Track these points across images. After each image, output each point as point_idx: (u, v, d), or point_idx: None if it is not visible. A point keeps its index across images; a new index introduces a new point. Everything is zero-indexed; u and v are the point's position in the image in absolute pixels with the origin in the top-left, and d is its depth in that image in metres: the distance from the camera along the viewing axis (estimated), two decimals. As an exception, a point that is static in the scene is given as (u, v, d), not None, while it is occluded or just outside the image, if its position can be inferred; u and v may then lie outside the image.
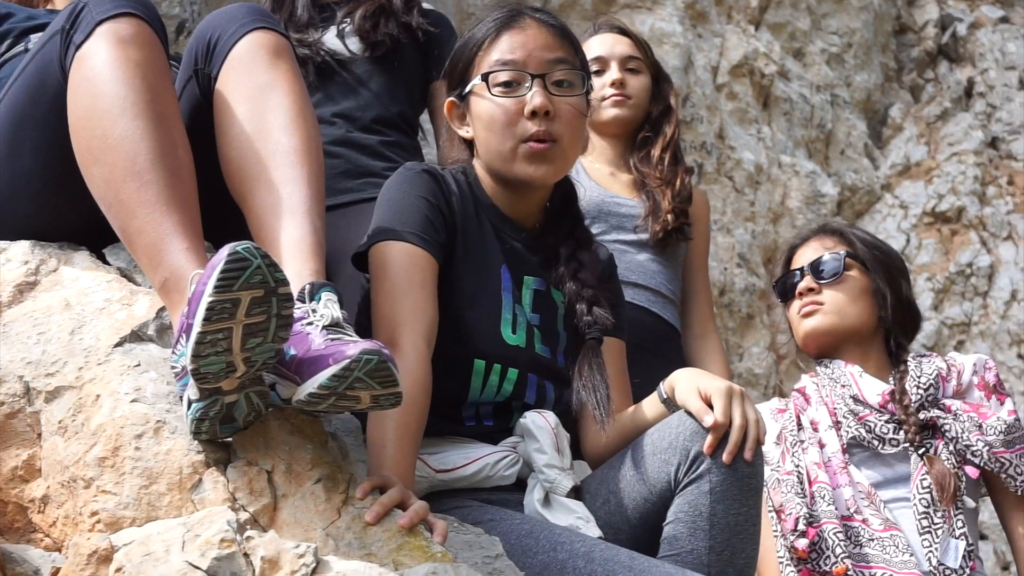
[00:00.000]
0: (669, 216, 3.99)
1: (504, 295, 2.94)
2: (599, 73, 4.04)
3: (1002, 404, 3.48)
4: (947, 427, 3.41)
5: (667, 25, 6.80)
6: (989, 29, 8.61)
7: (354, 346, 2.22)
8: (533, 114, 2.88)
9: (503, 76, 2.94)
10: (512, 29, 3.00)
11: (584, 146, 3.18)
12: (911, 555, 3.24)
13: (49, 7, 3.46)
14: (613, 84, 4.11)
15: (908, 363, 3.54)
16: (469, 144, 3.12)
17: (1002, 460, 3.38)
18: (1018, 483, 3.40)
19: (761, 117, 7.24)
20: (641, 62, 4.28)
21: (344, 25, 4.00)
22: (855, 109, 7.84)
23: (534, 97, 2.90)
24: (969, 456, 3.37)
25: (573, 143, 3.02)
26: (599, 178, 4.11)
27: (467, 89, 3.03)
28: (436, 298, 2.81)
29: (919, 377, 3.48)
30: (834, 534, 3.27)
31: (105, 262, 2.80)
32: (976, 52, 8.46)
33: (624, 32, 4.31)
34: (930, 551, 3.27)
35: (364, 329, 2.71)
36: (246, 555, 2.17)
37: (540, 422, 2.79)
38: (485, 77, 2.95)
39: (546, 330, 2.99)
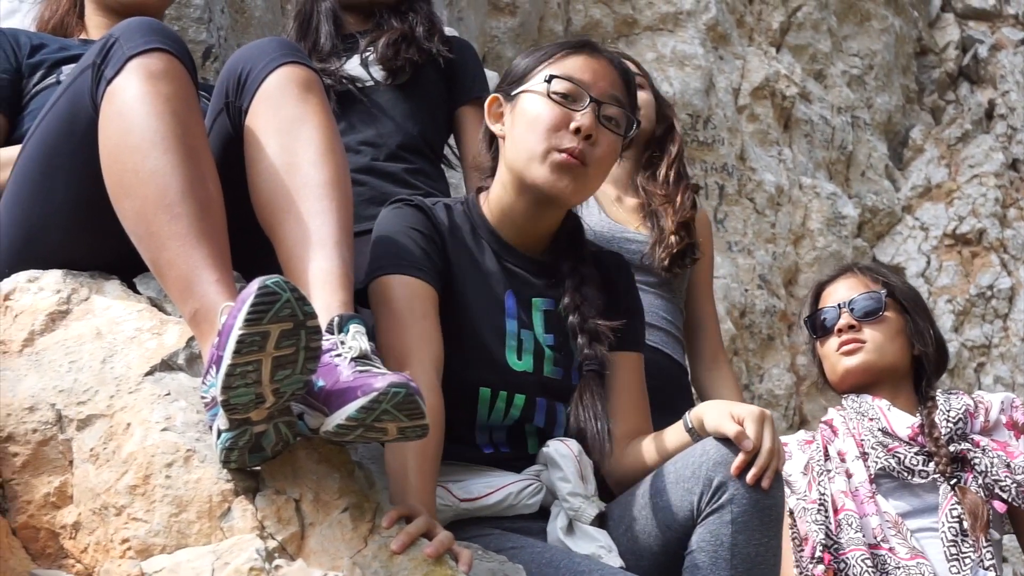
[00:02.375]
0: (673, 238, 3.97)
1: (508, 322, 2.96)
2: None
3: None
4: (977, 461, 3.42)
5: (688, 47, 6.81)
6: (1010, 51, 8.60)
7: (382, 379, 2.24)
8: (577, 131, 2.90)
9: (567, 86, 2.96)
10: (586, 54, 3.04)
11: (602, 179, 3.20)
12: None
13: (83, 37, 3.47)
14: None
15: (937, 398, 3.55)
16: (493, 151, 3.17)
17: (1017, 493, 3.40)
18: None
19: (782, 139, 7.25)
20: (644, 79, 4.29)
21: (368, 54, 4.00)
22: (876, 131, 7.84)
23: (585, 116, 2.92)
24: (997, 491, 3.38)
25: (599, 173, 3.06)
26: (606, 204, 4.09)
27: (524, 87, 3.05)
28: (439, 326, 2.83)
29: (948, 411, 3.50)
30: (861, 561, 3.29)
31: (136, 291, 2.81)
32: (997, 74, 8.44)
33: (626, 58, 4.30)
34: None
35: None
36: (278, 582, 2.21)
37: (563, 450, 2.81)
38: (550, 79, 2.96)
39: (560, 349, 3.01)
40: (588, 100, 2.94)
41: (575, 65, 3.00)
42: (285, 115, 2.67)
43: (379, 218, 3.02)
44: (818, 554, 3.30)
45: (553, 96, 2.95)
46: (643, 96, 4.13)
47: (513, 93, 3.06)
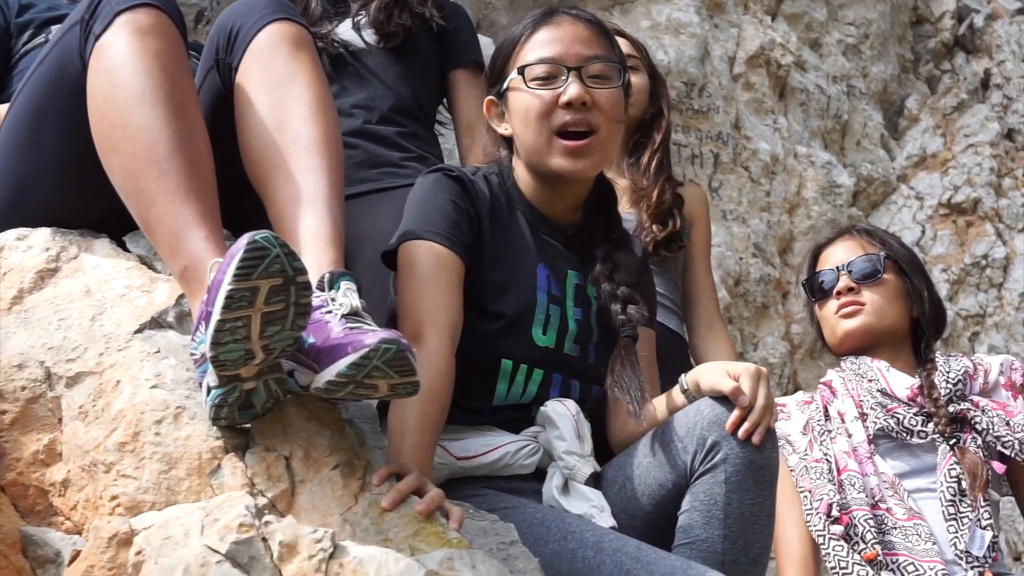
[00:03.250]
0: (655, 227, 4.02)
1: (539, 295, 2.96)
2: None
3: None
4: (977, 420, 3.44)
5: (684, 15, 6.79)
6: (1006, 20, 8.60)
7: (373, 335, 2.24)
8: (568, 105, 2.90)
9: (539, 69, 2.95)
10: (548, 25, 3.02)
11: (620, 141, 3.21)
12: (933, 544, 3.27)
13: None
14: None
15: (936, 360, 3.56)
16: (509, 142, 3.14)
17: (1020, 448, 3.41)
18: None
19: (777, 108, 7.24)
20: (639, 60, 4.28)
21: (359, 17, 3.99)
22: (871, 100, 7.84)
23: (569, 87, 2.91)
24: (1000, 448, 3.40)
25: (611, 134, 3.04)
26: None
27: (504, 85, 3.05)
28: (461, 297, 2.83)
29: (948, 372, 3.51)
30: (864, 521, 3.30)
31: (125, 249, 2.82)
32: (993, 44, 8.44)
33: (621, 33, 4.28)
34: (955, 538, 3.29)
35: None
36: (264, 539, 2.19)
37: (561, 409, 2.81)
38: (521, 71, 2.97)
39: (583, 325, 3.02)
40: (567, 72, 2.94)
41: (542, 41, 3.00)
42: (276, 72, 2.67)
43: (417, 184, 3.01)
44: (835, 513, 3.31)
45: (531, 85, 2.95)
46: (637, 80, 4.15)
47: (501, 91, 3.07)
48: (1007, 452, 3.40)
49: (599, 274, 3.02)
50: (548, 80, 2.95)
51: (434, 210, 2.88)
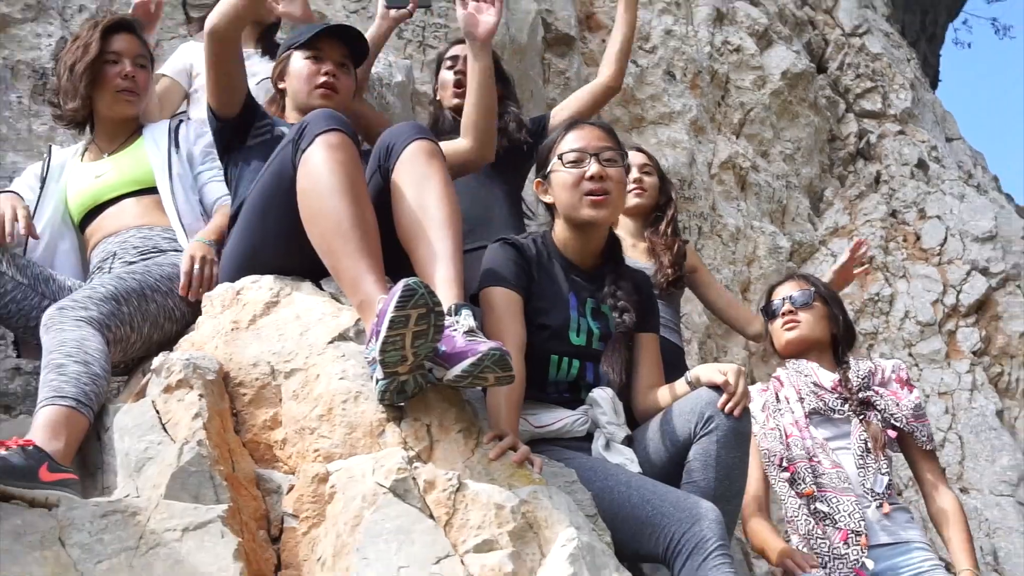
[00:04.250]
0: (669, 271, 4.00)
1: (572, 312, 2.95)
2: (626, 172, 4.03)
3: (911, 393, 3.50)
4: (877, 403, 3.43)
5: (678, 135, 6.78)
6: (891, 138, 8.55)
7: (484, 345, 2.28)
8: (591, 178, 2.92)
9: (571, 156, 2.97)
10: (575, 129, 3.05)
11: (625, 200, 3.26)
12: (849, 484, 3.24)
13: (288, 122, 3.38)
14: (635, 182, 4.12)
15: (849, 362, 3.55)
16: (550, 208, 3.14)
17: (913, 426, 3.38)
18: (923, 441, 3.41)
19: (740, 196, 7.19)
20: (652, 167, 4.29)
21: None
22: (802, 191, 7.79)
23: (591, 166, 2.94)
24: (892, 421, 3.38)
25: (620, 195, 3.05)
26: (625, 247, 4.10)
27: (548, 169, 3.05)
28: (523, 322, 2.84)
29: (858, 371, 3.50)
30: (804, 469, 3.29)
31: (321, 289, 2.83)
32: (882, 153, 8.40)
33: (639, 148, 4.29)
34: (863, 480, 3.27)
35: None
36: (414, 479, 2.21)
37: (603, 394, 2.80)
38: (560, 157, 2.99)
39: (603, 332, 2.99)
40: (589, 156, 2.96)
41: (572, 139, 3.01)
42: (417, 173, 2.68)
43: (488, 251, 3.01)
44: (784, 464, 3.32)
45: (568, 166, 2.97)
46: (649, 180, 4.22)
47: (546, 174, 3.07)
48: (897, 424, 3.38)
49: (606, 295, 3.02)
50: (577, 163, 2.96)
51: (501, 266, 2.90)
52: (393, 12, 3.78)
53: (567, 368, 2.90)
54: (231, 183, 3.21)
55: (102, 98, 3.34)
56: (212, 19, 3.04)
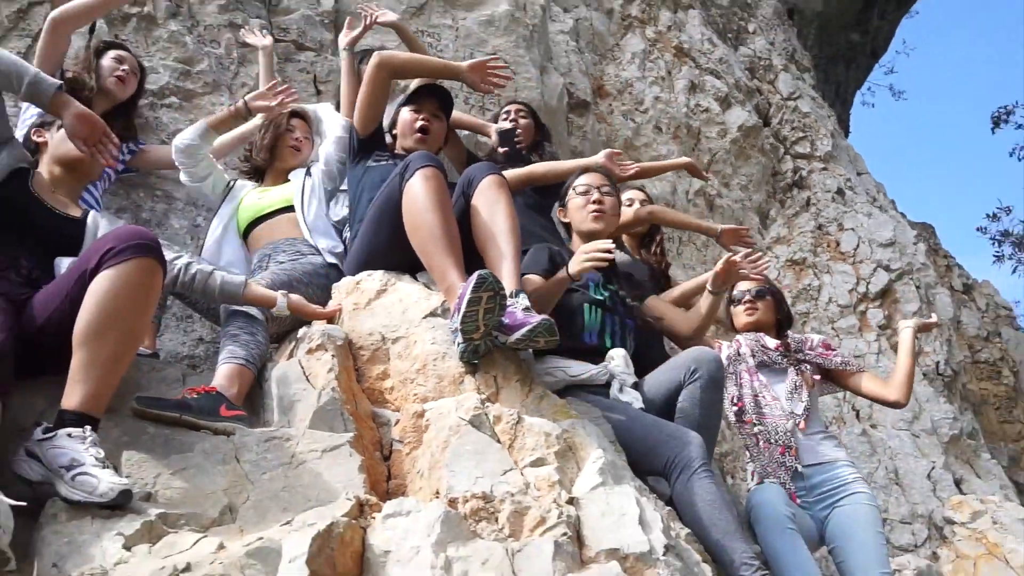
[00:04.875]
0: (662, 279, 3.94)
1: (591, 284, 2.93)
2: (630, 203, 3.95)
3: (835, 352, 3.47)
4: (809, 356, 3.40)
5: (669, 178, 6.67)
6: (817, 172, 8.44)
7: (537, 318, 2.27)
8: (594, 202, 3.00)
9: (582, 188, 3.06)
10: (584, 174, 3.12)
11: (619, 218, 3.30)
12: (782, 412, 3.19)
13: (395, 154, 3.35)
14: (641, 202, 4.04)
15: (789, 335, 3.50)
16: (567, 226, 3.18)
17: (843, 363, 3.44)
18: (852, 368, 3.48)
19: (709, 215, 7.09)
20: (648, 200, 4.14)
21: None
22: (753, 211, 7.69)
23: (594, 194, 3.03)
24: (824, 366, 3.42)
25: (614, 212, 3.11)
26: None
27: (567, 198, 3.12)
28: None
29: (795, 340, 3.45)
30: (750, 404, 3.26)
31: (416, 279, 2.82)
32: (811, 183, 8.29)
33: (641, 189, 4.15)
34: (792, 408, 3.22)
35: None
36: (485, 414, 2.20)
37: (619, 352, 2.76)
38: (574, 188, 3.09)
39: (612, 297, 2.96)
40: (593, 188, 3.04)
41: (583, 180, 3.10)
42: (490, 198, 2.66)
43: (530, 251, 3.01)
44: (735, 401, 3.28)
45: (579, 196, 3.07)
46: (643, 211, 4.01)
47: (564, 202, 3.14)
48: (829, 366, 3.41)
49: (613, 276, 3.06)
50: (585, 193, 3.04)
51: (538, 259, 2.92)
52: (501, 148, 3.71)
53: (595, 316, 2.87)
54: (354, 186, 3.16)
55: (280, 154, 3.44)
56: (388, 57, 3.13)
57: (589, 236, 3.01)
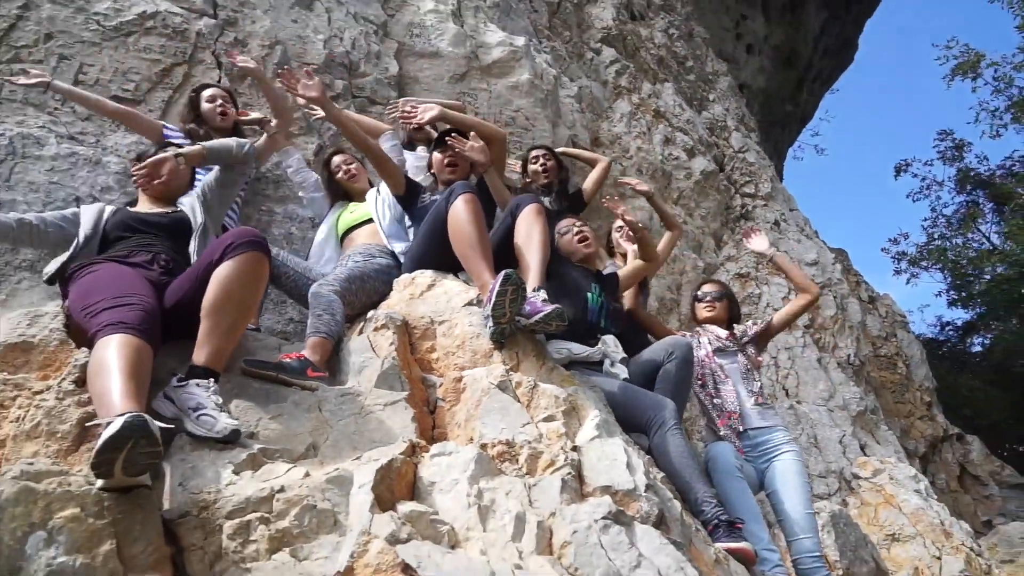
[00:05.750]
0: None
1: (590, 294, 2.85)
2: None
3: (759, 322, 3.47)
4: (749, 337, 3.34)
5: (644, 204, 6.58)
6: (760, 208, 8.36)
7: (551, 306, 2.21)
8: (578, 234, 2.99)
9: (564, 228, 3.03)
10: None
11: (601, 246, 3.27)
12: (732, 387, 3.12)
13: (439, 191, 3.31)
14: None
15: (735, 326, 3.43)
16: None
17: (764, 324, 3.42)
18: (769, 319, 3.44)
19: (679, 241, 7.04)
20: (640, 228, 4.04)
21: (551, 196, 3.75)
22: (710, 236, 7.61)
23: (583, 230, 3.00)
24: (758, 332, 3.39)
25: (595, 240, 3.07)
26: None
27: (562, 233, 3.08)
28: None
29: (741, 329, 3.39)
30: (710, 380, 3.18)
31: (457, 277, 2.78)
32: (755, 216, 8.19)
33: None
34: (748, 386, 3.16)
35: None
36: (509, 381, 2.16)
37: (610, 338, 2.72)
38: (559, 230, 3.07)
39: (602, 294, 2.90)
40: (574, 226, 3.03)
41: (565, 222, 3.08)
42: (529, 220, 2.58)
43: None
44: (699, 377, 3.21)
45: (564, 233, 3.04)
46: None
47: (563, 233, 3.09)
48: (761, 330, 3.38)
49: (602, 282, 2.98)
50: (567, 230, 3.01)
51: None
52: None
53: (596, 298, 2.82)
54: (414, 221, 3.11)
55: (344, 187, 3.41)
56: (373, 144, 3.01)
57: (585, 262, 2.99)
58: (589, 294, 2.84)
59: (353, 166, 3.43)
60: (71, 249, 2.31)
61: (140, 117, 3.16)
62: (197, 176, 2.94)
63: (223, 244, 2.02)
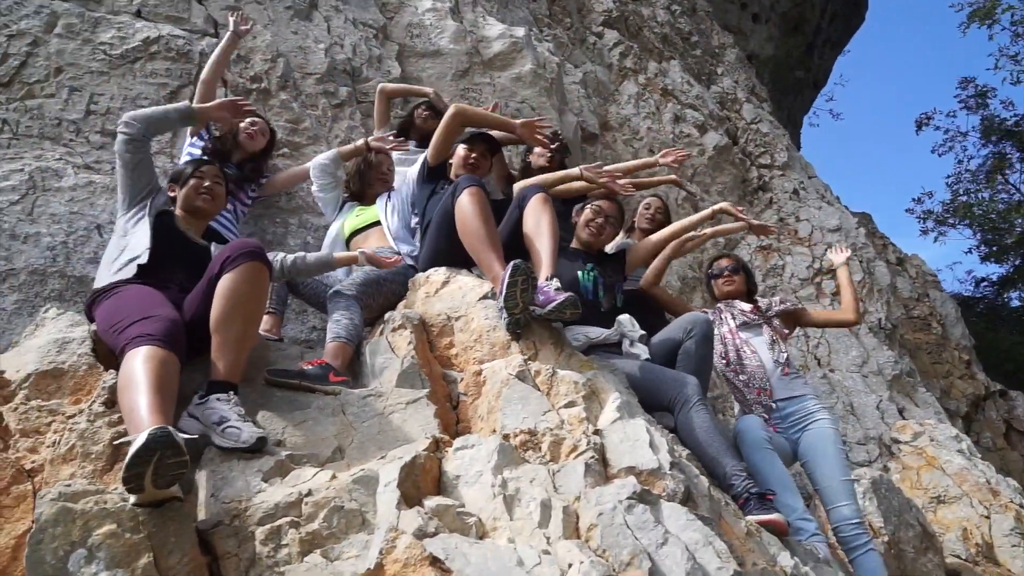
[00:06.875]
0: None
1: (579, 261, 2.86)
2: (648, 207, 3.87)
3: (789, 301, 3.39)
4: (775, 311, 3.29)
5: (660, 188, 6.54)
6: (777, 178, 8.22)
7: (564, 295, 2.20)
8: (596, 223, 2.94)
9: (595, 208, 2.98)
10: (604, 199, 3.06)
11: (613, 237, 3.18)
12: (760, 362, 3.08)
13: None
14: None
15: (758, 299, 3.38)
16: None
17: (797, 307, 3.40)
18: (801, 307, 3.44)
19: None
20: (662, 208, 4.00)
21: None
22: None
23: (599, 219, 2.96)
24: (789, 310, 3.36)
25: (606, 238, 3.02)
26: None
27: (585, 206, 3.04)
28: None
29: (766, 303, 3.34)
30: (733, 356, 3.15)
31: (471, 272, 2.78)
32: (773, 187, 8.07)
33: (656, 195, 3.93)
34: (774, 356, 3.12)
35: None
36: (528, 370, 2.16)
37: (626, 317, 2.70)
38: (591, 205, 3.02)
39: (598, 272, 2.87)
40: (603, 213, 2.97)
41: (602, 202, 3.02)
42: (536, 210, 2.58)
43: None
44: (722, 354, 3.16)
45: (592, 211, 2.99)
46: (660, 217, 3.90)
47: (582, 207, 3.04)
48: (791, 310, 3.37)
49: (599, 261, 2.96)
50: (596, 212, 2.96)
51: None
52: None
53: (587, 275, 2.79)
54: (422, 203, 3.11)
55: (371, 182, 3.40)
56: (462, 109, 3.03)
57: (584, 244, 2.96)
58: (580, 272, 2.80)
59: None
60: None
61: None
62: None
63: (221, 258, 2.04)
